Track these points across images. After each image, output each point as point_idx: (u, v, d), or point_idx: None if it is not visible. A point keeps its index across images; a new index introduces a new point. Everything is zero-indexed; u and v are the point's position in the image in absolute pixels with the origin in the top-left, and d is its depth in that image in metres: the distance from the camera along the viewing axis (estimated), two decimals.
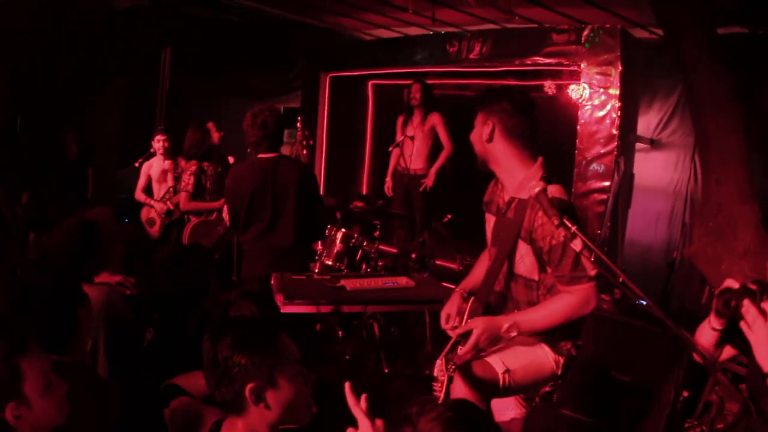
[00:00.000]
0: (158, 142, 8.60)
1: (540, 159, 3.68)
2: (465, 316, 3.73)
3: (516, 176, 3.63)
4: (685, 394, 4.99)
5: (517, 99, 3.67)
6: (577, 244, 3.10)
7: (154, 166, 8.64)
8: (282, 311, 4.78)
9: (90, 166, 9.95)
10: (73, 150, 9.76)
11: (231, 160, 7.88)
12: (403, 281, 5.52)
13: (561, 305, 3.47)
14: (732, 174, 5.04)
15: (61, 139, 9.60)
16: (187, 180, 7.46)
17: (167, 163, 8.59)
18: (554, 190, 3.47)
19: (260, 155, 5.69)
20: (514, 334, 3.46)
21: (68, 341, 3.03)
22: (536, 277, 3.62)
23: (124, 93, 11.23)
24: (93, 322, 3.37)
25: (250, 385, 2.41)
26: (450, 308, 3.94)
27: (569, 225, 3.04)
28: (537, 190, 3.25)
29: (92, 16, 9.85)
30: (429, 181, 9.06)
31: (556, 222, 3.09)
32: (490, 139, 3.63)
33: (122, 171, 10.17)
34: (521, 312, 3.57)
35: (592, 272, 3.38)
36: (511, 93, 3.72)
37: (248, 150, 6.85)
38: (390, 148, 9.01)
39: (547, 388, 3.77)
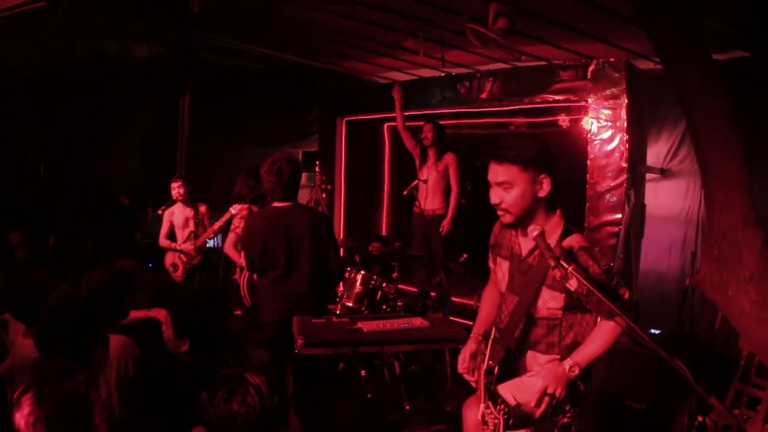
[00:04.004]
0: (174, 190, 8.73)
1: (559, 210, 3.73)
2: (486, 357, 3.79)
3: (542, 226, 3.59)
4: (700, 419, 5.07)
5: (549, 148, 3.69)
6: (572, 284, 3.25)
7: (176, 213, 8.76)
8: (302, 353, 4.89)
9: (140, 211, 10.23)
10: (125, 199, 10.10)
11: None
12: (417, 321, 5.65)
13: (607, 335, 3.54)
14: (734, 201, 5.05)
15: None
16: (237, 223, 7.34)
17: (188, 210, 8.74)
18: (578, 240, 3.61)
19: (275, 203, 5.82)
20: (576, 372, 3.50)
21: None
22: (560, 315, 3.69)
23: (144, 139, 11.42)
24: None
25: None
26: (465, 353, 4.01)
27: (565, 266, 3.20)
28: (535, 233, 3.41)
29: (112, 64, 10.09)
30: (445, 229, 9.18)
31: (552, 263, 3.23)
32: (548, 195, 3.63)
33: (146, 219, 10.39)
34: (577, 351, 3.57)
35: (626, 296, 3.51)
36: (544, 142, 3.70)
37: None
38: (404, 192, 9.11)
39: (566, 420, 3.73)
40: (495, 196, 3.67)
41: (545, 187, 3.60)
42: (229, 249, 7.39)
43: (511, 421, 3.40)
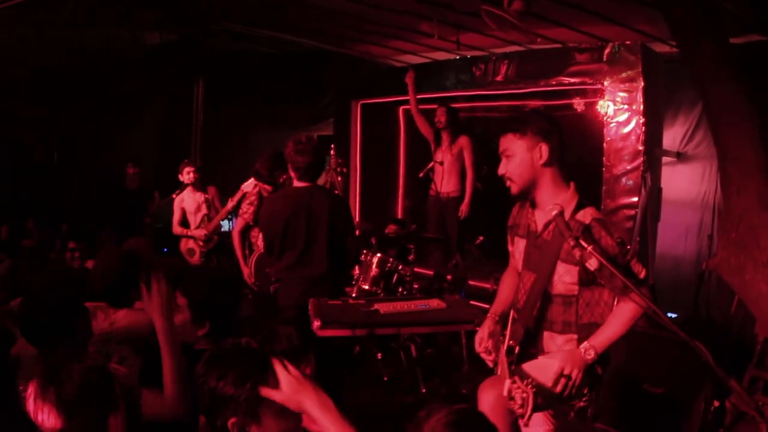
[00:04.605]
0: (186, 174, 8.77)
1: (573, 184, 3.77)
2: (507, 337, 3.82)
3: (555, 199, 3.65)
4: (716, 404, 5.06)
5: (555, 120, 3.80)
6: (592, 264, 3.25)
7: (186, 199, 8.80)
8: (318, 335, 4.90)
9: (147, 196, 10.26)
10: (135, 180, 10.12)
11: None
12: (434, 303, 5.65)
13: (624, 317, 3.54)
14: (751, 184, 5.04)
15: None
16: (246, 209, 7.38)
17: (198, 195, 8.77)
18: (592, 212, 3.65)
19: (295, 184, 5.85)
20: (592, 356, 3.51)
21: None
22: (576, 292, 3.70)
23: (158, 125, 11.42)
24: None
25: (232, 420, 2.39)
26: (483, 332, 4.04)
27: (585, 245, 3.21)
28: (554, 213, 3.44)
29: (124, 52, 10.08)
30: (463, 213, 9.21)
31: (572, 243, 3.24)
32: (548, 162, 3.69)
33: (161, 202, 10.39)
34: (594, 335, 3.58)
35: (642, 275, 3.50)
36: (548, 114, 3.88)
37: (282, 178, 7.01)
38: (420, 174, 9.12)
39: (582, 404, 3.76)
40: (501, 166, 3.81)
41: (544, 155, 3.67)
42: (236, 235, 7.43)
43: (539, 399, 3.43)
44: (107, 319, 4.28)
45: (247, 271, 7.26)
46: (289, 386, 2.42)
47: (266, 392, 2.41)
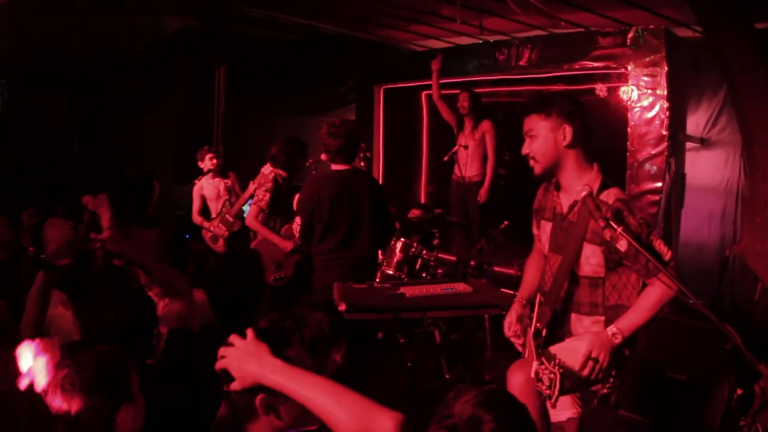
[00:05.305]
0: (210, 160, 8.78)
1: (596, 165, 3.80)
2: (534, 320, 3.85)
3: (580, 181, 3.67)
4: (739, 391, 5.05)
5: (580, 103, 3.83)
6: (622, 245, 3.27)
7: (206, 186, 8.78)
8: (346, 318, 4.92)
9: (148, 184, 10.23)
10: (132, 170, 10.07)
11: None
12: (461, 287, 5.69)
13: (651, 300, 3.56)
14: None
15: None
16: (261, 195, 7.27)
17: (219, 181, 8.76)
18: (616, 192, 3.68)
19: (334, 166, 5.89)
20: (619, 339, 3.53)
21: None
22: (603, 274, 3.73)
23: (179, 112, 11.42)
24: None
25: (260, 396, 2.37)
26: (511, 316, 4.11)
27: (615, 227, 3.25)
28: (584, 194, 3.46)
29: (144, 38, 10.10)
30: (482, 198, 9.22)
31: (602, 224, 3.26)
32: (571, 144, 3.71)
33: (182, 188, 10.38)
34: (620, 318, 3.60)
35: (668, 257, 3.50)
36: (572, 97, 3.88)
37: (309, 162, 7.01)
38: (445, 158, 9.12)
39: (605, 390, 3.79)
40: (525, 146, 3.83)
41: (567, 137, 3.70)
42: (251, 221, 7.34)
43: (567, 382, 3.47)
44: None
45: (289, 243, 7.08)
46: (232, 358, 2.35)
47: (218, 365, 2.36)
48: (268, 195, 7.22)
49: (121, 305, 3.49)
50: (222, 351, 2.37)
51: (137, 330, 3.45)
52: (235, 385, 2.33)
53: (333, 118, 6.25)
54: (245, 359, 2.31)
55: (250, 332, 2.37)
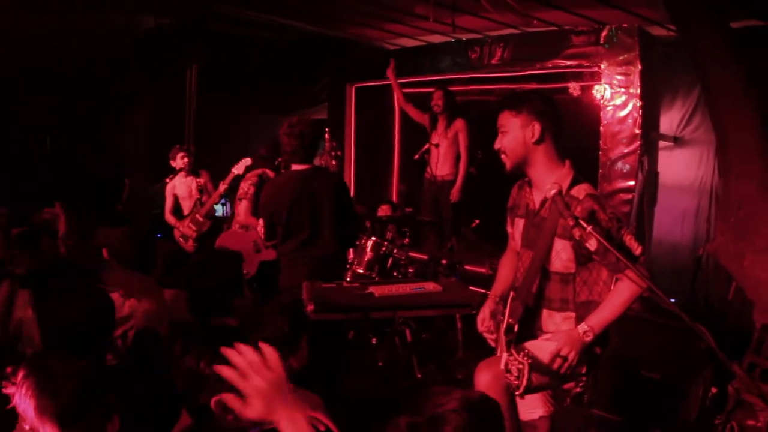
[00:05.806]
0: (181, 159, 8.71)
1: (568, 161, 3.82)
2: (506, 316, 3.86)
3: (550, 177, 3.71)
4: (714, 390, 5.03)
5: (552, 101, 3.86)
6: (592, 244, 3.24)
7: (178, 185, 8.73)
8: (312, 319, 4.84)
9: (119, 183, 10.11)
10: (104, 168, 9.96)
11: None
12: (430, 286, 5.63)
13: (622, 296, 3.57)
14: (751, 169, 5.02)
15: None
16: (247, 189, 7.33)
17: (191, 180, 8.68)
18: (586, 188, 3.70)
19: (294, 166, 5.83)
20: (591, 337, 3.53)
21: None
22: (573, 270, 3.74)
23: (153, 111, 11.34)
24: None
25: (215, 399, 2.24)
26: (484, 312, 4.10)
27: (584, 225, 3.24)
28: (553, 192, 3.47)
29: (117, 36, 9.99)
30: (454, 197, 9.15)
31: (571, 222, 3.24)
32: (539, 141, 3.74)
33: (155, 186, 10.30)
34: (591, 315, 3.60)
35: (638, 251, 3.48)
36: (545, 95, 3.92)
37: (278, 161, 6.95)
38: (415, 156, 9.08)
39: (578, 389, 3.81)
40: (497, 141, 3.88)
41: (536, 134, 3.74)
42: (247, 218, 7.31)
43: (534, 375, 3.46)
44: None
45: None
46: (258, 403, 1.95)
47: (230, 402, 1.97)
48: (253, 189, 7.29)
49: (81, 306, 3.41)
50: (243, 372, 1.96)
51: (97, 330, 3.37)
52: (246, 412, 1.95)
53: (293, 117, 6.16)
54: (272, 393, 1.95)
55: (276, 359, 2.01)
